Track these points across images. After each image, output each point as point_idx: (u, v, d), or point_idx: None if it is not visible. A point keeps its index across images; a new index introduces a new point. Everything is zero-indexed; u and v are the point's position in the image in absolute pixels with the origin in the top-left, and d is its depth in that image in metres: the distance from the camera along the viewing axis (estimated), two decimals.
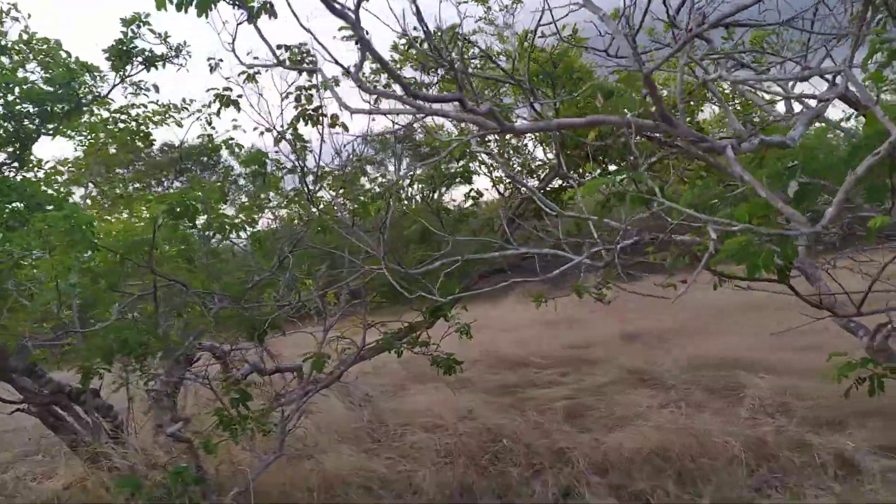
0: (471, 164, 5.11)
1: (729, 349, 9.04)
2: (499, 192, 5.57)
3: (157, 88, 6.18)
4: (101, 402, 6.43)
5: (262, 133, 4.29)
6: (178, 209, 3.17)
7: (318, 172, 4.31)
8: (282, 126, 4.10)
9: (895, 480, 4.63)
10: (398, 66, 5.44)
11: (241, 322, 4.68)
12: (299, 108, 4.16)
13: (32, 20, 5.00)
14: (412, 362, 9.88)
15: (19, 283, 3.27)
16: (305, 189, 4.27)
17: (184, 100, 7.06)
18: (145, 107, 7.14)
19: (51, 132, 5.10)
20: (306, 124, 4.20)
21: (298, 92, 4.21)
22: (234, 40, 2.85)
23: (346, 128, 4.32)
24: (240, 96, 4.35)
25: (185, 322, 4.62)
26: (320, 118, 4.19)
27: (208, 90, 4.41)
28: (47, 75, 5.46)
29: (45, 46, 5.82)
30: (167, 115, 7.42)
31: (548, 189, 5.21)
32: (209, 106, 4.39)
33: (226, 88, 4.35)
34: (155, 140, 7.59)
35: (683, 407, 6.54)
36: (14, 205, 3.92)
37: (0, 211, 3.80)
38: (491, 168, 5.37)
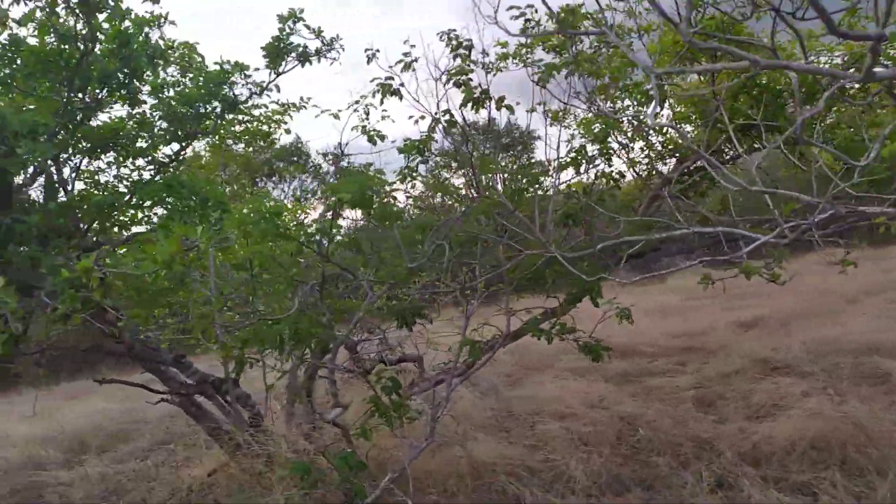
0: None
1: (859, 334, 8.57)
2: (636, 174, 5.42)
3: (278, 88, 6.30)
4: (241, 391, 6.67)
5: (416, 121, 4.31)
6: (357, 197, 3.20)
7: (481, 154, 4.29)
8: (441, 112, 4.10)
9: None
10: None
11: (392, 310, 4.72)
12: (464, 92, 4.14)
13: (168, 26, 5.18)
14: (524, 351, 9.92)
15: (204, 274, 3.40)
16: (471, 173, 4.26)
17: (302, 98, 7.18)
18: (266, 107, 7.34)
19: (208, 132, 5.33)
20: (473, 108, 4.18)
21: (458, 77, 4.20)
22: None
23: (511, 109, 4.28)
24: (401, 84, 4.39)
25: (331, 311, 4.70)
26: (485, 102, 4.17)
27: (373, 80, 4.47)
28: (189, 78, 5.69)
29: (184, 50, 6.06)
30: (286, 114, 7.61)
31: (690, 169, 5.01)
32: (373, 95, 4.44)
33: (388, 77, 4.39)
34: (277, 139, 7.78)
35: (832, 394, 6.18)
36: (188, 201, 4.10)
37: (177, 207, 3.98)
38: (628, 149, 5.24)
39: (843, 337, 8.49)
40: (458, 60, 4.28)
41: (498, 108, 4.20)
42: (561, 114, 5.63)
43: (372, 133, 4.70)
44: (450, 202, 4.74)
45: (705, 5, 3.60)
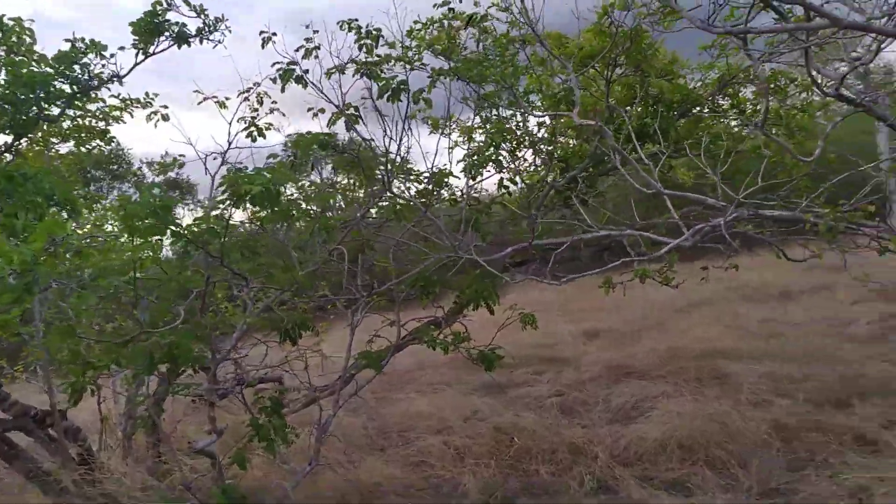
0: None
1: (698, 341, 9.34)
2: (523, 182, 5.43)
3: (120, 80, 5.48)
4: (70, 424, 5.74)
5: (315, 114, 3.91)
6: (267, 193, 2.79)
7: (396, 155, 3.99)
8: (344, 105, 3.75)
9: None
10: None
11: (274, 322, 4.27)
12: (382, 83, 3.81)
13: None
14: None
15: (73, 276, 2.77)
16: (386, 175, 3.93)
17: (147, 94, 6.35)
18: (104, 101, 6.42)
19: (53, 118, 4.44)
20: (390, 101, 3.85)
21: (370, 67, 3.87)
22: None
23: (429, 103, 4.02)
24: (306, 71, 3.95)
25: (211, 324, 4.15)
26: (400, 94, 3.86)
27: (274, 64, 3.96)
28: (19, 59, 4.79)
29: (14, 27, 5.12)
30: (126, 110, 6.72)
31: (582, 176, 5.11)
32: (275, 81, 3.92)
33: (291, 63, 3.92)
34: (115, 138, 6.86)
35: (688, 395, 6.60)
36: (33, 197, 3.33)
37: (23, 203, 3.20)
38: (517, 157, 5.23)
39: (681, 345, 9.18)
40: (364, 51, 3.99)
41: (415, 102, 3.95)
42: (443, 121, 5.49)
43: (260, 127, 4.21)
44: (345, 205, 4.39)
45: None
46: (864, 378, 6.46)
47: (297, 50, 4.02)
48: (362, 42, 4.11)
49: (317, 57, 4.00)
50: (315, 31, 4.03)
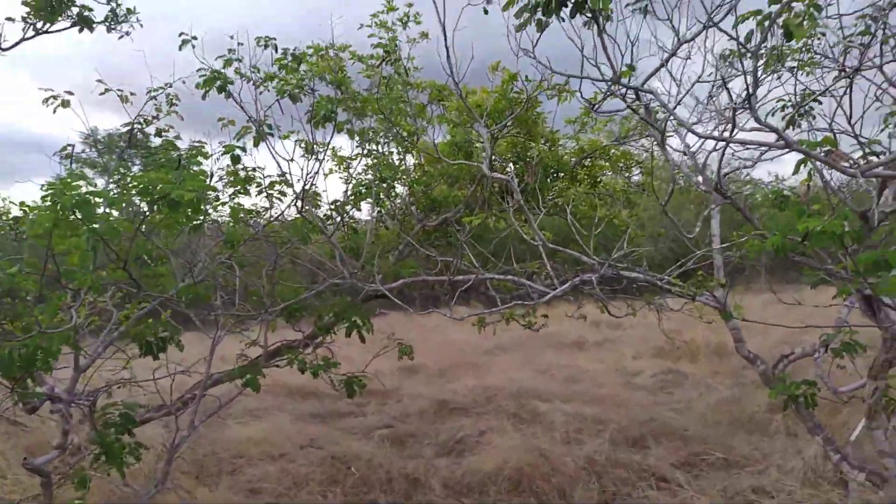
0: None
1: (511, 381, 10.10)
2: (396, 218, 5.63)
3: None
4: None
5: (224, 125, 3.75)
6: (196, 199, 2.70)
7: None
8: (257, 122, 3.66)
9: (702, 489, 5.73)
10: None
11: (138, 334, 4.01)
12: (316, 105, 3.76)
13: None
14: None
15: None
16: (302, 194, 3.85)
17: None
18: None
19: None
20: (316, 126, 3.79)
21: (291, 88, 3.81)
22: None
23: (352, 134, 4.01)
24: (230, 82, 3.77)
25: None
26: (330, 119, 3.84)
27: (198, 70, 3.72)
28: None
29: None
30: None
31: (447, 220, 5.45)
32: (200, 87, 3.63)
33: (216, 72, 3.71)
34: None
35: (510, 431, 7.13)
36: None
37: None
38: (391, 195, 5.45)
39: (497, 384, 9.87)
40: (285, 73, 3.96)
41: (339, 130, 3.97)
42: (318, 147, 5.59)
43: (159, 129, 3.94)
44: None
45: None
46: (654, 422, 7.48)
47: (217, 58, 3.90)
48: (282, 64, 4.10)
49: (238, 70, 3.92)
50: (240, 44, 3.96)
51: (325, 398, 10.04)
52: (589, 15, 2.41)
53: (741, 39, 2.48)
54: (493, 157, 4.74)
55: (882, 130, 3.76)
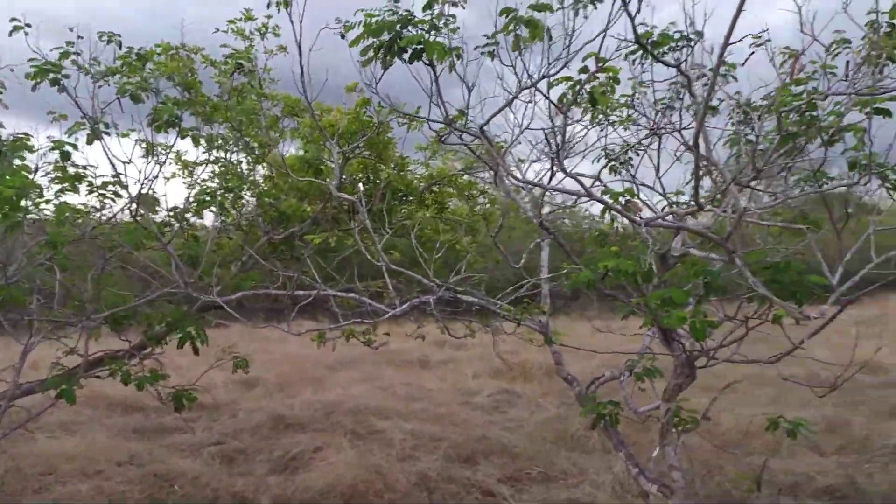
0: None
1: (351, 398, 10.10)
2: (241, 229, 5.49)
3: None
4: None
5: (55, 119, 3.44)
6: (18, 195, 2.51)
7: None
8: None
9: (523, 501, 6.10)
10: None
11: None
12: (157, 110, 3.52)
13: None
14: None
15: None
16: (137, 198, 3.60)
17: None
18: None
19: None
20: (158, 130, 3.57)
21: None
22: None
23: (197, 141, 3.79)
24: (66, 76, 3.45)
25: None
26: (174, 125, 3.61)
27: (30, 60, 3.36)
28: None
29: None
30: None
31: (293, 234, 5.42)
32: (31, 78, 3.26)
33: (49, 63, 3.39)
34: None
35: (347, 448, 7.14)
36: None
37: None
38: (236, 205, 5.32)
39: (335, 400, 9.84)
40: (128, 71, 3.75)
41: (182, 137, 3.79)
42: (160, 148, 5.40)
43: None
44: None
45: None
46: (486, 440, 7.83)
47: (52, 50, 3.62)
48: (126, 61, 3.89)
49: (76, 62, 3.65)
50: (80, 37, 3.69)
51: (151, 412, 9.46)
52: (427, 62, 2.58)
53: (556, 101, 2.78)
54: (344, 177, 4.82)
55: (686, 183, 4.32)
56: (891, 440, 7.80)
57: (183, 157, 5.84)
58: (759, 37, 3.51)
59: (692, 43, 3.40)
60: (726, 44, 2.38)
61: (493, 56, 3.68)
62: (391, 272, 4.26)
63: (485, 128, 3.74)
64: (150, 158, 4.67)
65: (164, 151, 5.32)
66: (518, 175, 4.16)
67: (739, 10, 2.23)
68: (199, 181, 5.51)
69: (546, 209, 4.57)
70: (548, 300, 4.48)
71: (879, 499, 5.81)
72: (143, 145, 5.18)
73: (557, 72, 3.48)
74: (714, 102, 3.55)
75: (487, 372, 13.21)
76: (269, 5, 3.59)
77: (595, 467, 6.87)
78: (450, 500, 6.12)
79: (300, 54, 3.67)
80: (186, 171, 5.64)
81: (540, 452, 7.49)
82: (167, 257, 4.57)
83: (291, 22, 3.28)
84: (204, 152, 5.40)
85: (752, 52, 3.68)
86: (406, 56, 2.41)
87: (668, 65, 2.89)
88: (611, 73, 2.54)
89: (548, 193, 3.98)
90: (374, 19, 2.36)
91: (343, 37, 3.86)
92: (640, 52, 3.20)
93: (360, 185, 5.34)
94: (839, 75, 3.38)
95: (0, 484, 5.37)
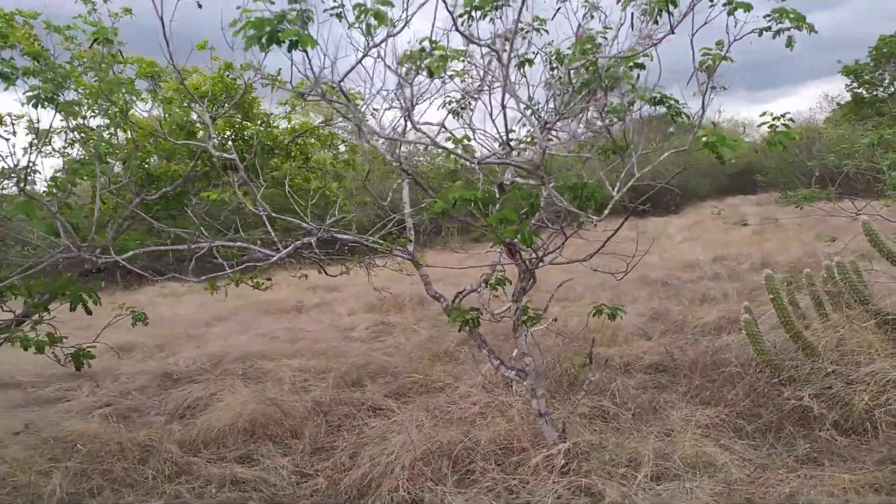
0: None
1: (233, 347, 10.45)
2: (112, 192, 5.62)
3: None
4: None
5: None
6: None
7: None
8: None
9: (409, 410, 6.96)
10: None
11: None
12: None
13: None
14: None
15: None
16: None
17: None
18: None
19: None
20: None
21: None
22: None
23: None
24: None
25: None
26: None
27: None
28: None
29: None
30: None
31: (167, 194, 5.69)
32: None
33: None
34: None
35: (241, 391, 7.62)
36: None
37: None
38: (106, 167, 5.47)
39: (222, 350, 10.18)
40: None
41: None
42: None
43: None
44: None
45: None
46: (369, 366, 8.61)
47: None
48: None
49: None
50: None
51: (26, 387, 9.34)
52: (301, 49, 3.07)
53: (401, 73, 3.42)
54: (216, 137, 5.17)
55: (518, 123, 5.13)
56: (700, 320, 9.49)
57: (35, 126, 5.85)
58: None
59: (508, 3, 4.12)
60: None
61: (341, 18, 4.20)
62: (271, 220, 4.76)
63: (341, 83, 4.29)
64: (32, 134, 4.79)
65: (15, 121, 5.41)
66: (375, 125, 4.78)
67: None
68: (59, 149, 5.61)
69: (404, 150, 5.21)
70: (412, 231, 5.20)
71: (687, 365, 7.25)
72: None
73: (398, 32, 4.10)
74: (530, 56, 4.33)
75: (362, 308, 13.97)
76: None
77: (467, 374, 7.87)
78: (344, 419, 6.85)
79: (162, 25, 4.00)
80: (43, 140, 5.68)
81: (418, 369, 8.38)
82: (47, 226, 4.77)
83: None
84: (62, 120, 5.50)
85: (559, 9, 4.48)
86: (284, 46, 2.88)
87: (477, 43, 3.60)
88: (442, 51, 3.18)
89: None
90: (252, 15, 2.81)
91: (200, 6, 4.23)
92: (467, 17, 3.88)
93: (230, 142, 5.69)
94: (627, 26, 4.28)
95: None
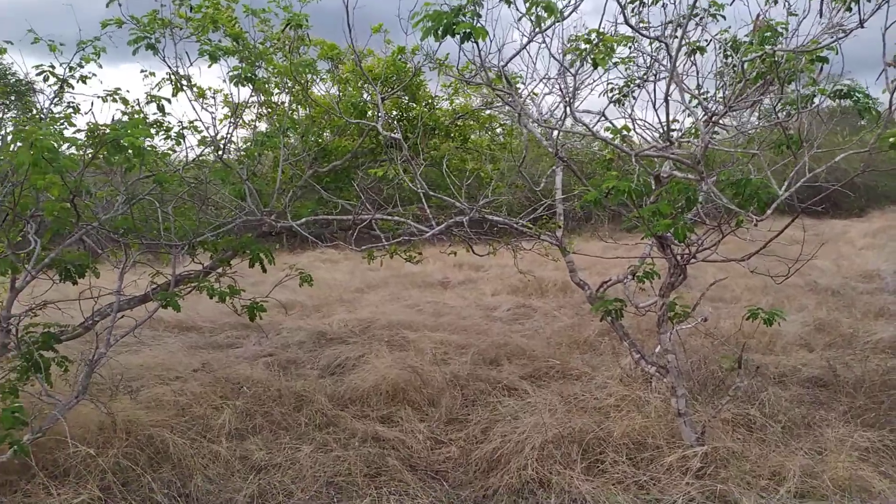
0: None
1: (382, 315, 11.08)
2: (291, 164, 6.21)
3: None
4: None
5: (146, 76, 4.09)
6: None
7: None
8: None
9: (543, 393, 7.03)
10: None
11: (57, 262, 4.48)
12: None
13: None
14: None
15: None
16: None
17: None
18: None
19: None
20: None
21: None
22: None
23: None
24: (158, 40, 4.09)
25: None
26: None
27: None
28: None
29: None
30: None
31: (336, 169, 6.15)
32: None
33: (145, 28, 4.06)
34: None
35: (385, 356, 8.10)
36: None
37: None
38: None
39: (370, 317, 10.82)
40: None
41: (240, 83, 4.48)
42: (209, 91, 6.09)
43: None
44: None
45: None
46: (507, 346, 8.77)
47: (144, 17, 4.26)
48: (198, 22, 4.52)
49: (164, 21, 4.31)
50: (163, 5, 4.34)
51: (205, 332, 10.54)
52: (473, 41, 3.20)
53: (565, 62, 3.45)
54: (384, 116, 5.50)
55: (682, 112, 4.97)
56: (873, 336, 8.64)
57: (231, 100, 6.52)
58: None
59: None
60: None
61: (510, 4, 4.30)
62: (427, 198, 5.01)
63: (504, 69, 4.40)
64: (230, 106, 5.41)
65: (213, 96, 6.03)
66: (535, 110, 4.83)
67: None
68: (249, 122, 6.21)
69: (560, 135, 5.23)
70: (562, 218, 5.23)
71: (851, 383, 6.67)
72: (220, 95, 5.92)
73: (566, 17, 4.12)
74: (702, 43, 4.16)
75: (505, 289, 14.15)
76: None
77: (605, 365, 7.79)
78: (479, 395, 7.08)
79: (347, 12, 4.32)
80: (235, 113, 6.33)
81: (555, 355, 8.42)
82: (237, 191, 5.34)
83: None
84: (251, 95, 6.08)
85: None
86: (458, 38, 3.05)
87: (647, 37, 3.52)
88: (608, 42, 3.18)
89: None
90: (431, 8, 3.02)
91: None
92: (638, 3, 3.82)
93: (397, 122, 6.02)
94: (812, 14, 3.99)
95: (114, 387, 6.35)
